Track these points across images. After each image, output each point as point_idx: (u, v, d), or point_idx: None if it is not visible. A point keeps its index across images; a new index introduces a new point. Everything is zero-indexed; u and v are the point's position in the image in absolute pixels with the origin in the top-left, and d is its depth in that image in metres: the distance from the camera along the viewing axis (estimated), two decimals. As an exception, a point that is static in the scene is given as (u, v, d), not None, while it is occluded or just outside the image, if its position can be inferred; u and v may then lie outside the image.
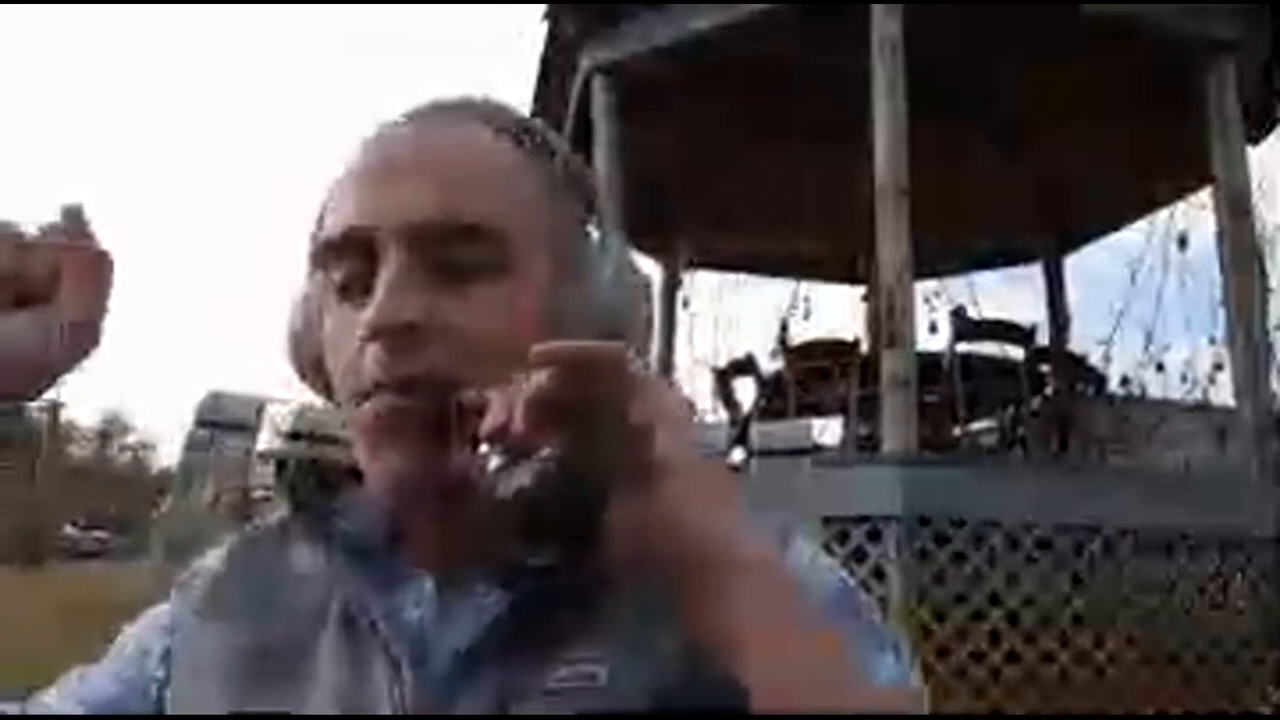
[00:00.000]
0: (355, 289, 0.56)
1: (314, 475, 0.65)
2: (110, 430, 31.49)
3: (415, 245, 0.54)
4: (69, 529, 23.85)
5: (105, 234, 0.49)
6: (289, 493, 0.64)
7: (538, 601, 0.55)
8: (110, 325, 0.49)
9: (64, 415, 25.93)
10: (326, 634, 0.58)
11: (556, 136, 0.64)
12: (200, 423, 1.18)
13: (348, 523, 0.61)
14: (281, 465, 0.65)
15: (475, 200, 0.56)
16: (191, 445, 1.18)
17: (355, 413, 0.55)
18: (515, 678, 0.53)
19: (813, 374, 4.89)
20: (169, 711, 0.59)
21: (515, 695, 0.53)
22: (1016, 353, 5.10)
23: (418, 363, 0.53)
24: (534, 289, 0.56)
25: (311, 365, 0.60)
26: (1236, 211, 4.17)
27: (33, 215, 0.48)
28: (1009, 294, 8.51)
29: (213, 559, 0.65)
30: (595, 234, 0.63)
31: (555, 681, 0.53)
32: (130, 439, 32.10)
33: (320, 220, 0.60)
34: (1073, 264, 6.29)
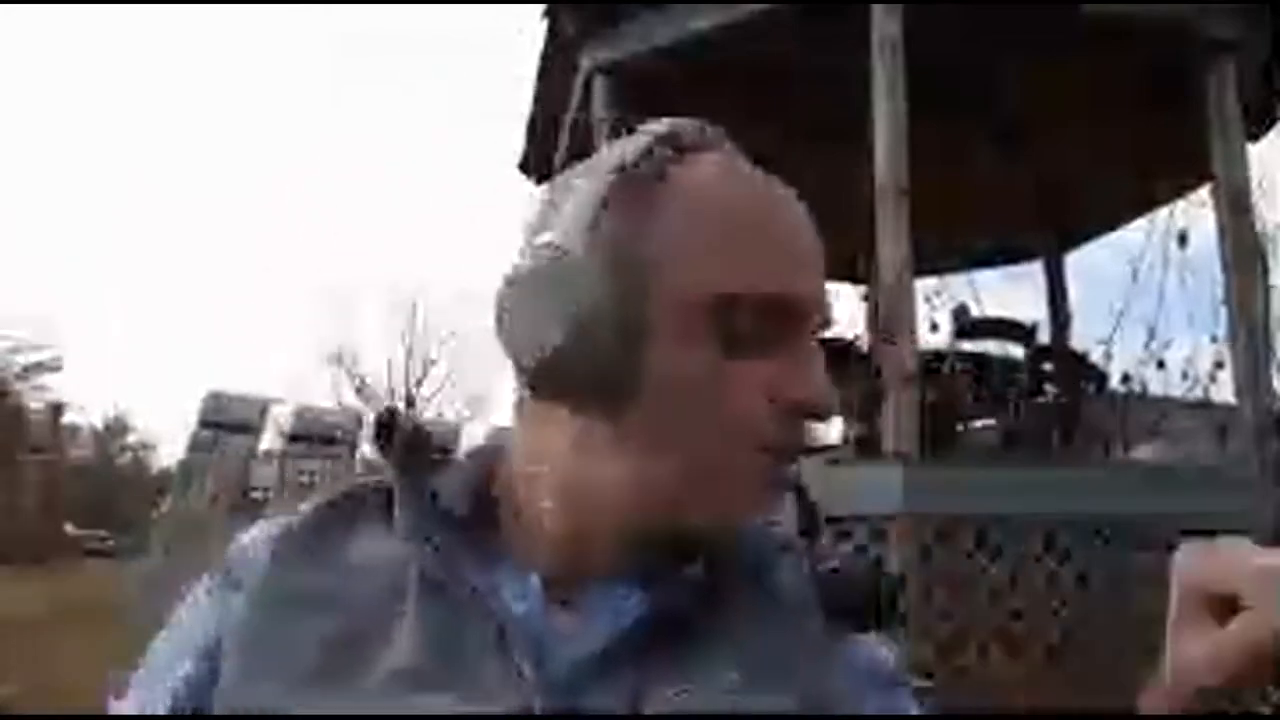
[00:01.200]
0: (747, 345, 0.55)
1: (420, 442, 0.64)
2: (111, 431, 31.49)
3: (817, 327, 0.58)
4: (70, 528, 23.89)
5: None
6: (401, 453, 0.62)
7: (679, 608, 0.56)
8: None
9: (65, 416, 26.01)
10: (408, 603, 0.57)
11: None
12: (204, 423, 1.18)
13: (445, 497, 0.61)
14: (384, 428, 0.64)
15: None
16: (195, 445, 1.18)
17: (737, 458, 0.56)
18: (651, 681, 0.54)
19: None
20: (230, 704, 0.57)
21: (650, 698, 0.53)
22: (1018, 351, 5.10)
23: (814, 431, 0.59)
24: None
25: (604, 382, 0.55)
26: (1237, 209, 4.17)
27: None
28: (1010, 292, 8.50)
29: (258, 549, 0.62)
30: None
31: (690, 688, 0.54)
32: (131, 439, 32.11)
33: (687, 259, 0.55)
34: (1073, 262, 6.30)
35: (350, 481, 0.67)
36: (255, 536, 0.63)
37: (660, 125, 0.60)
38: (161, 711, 0.58)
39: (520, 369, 0.56)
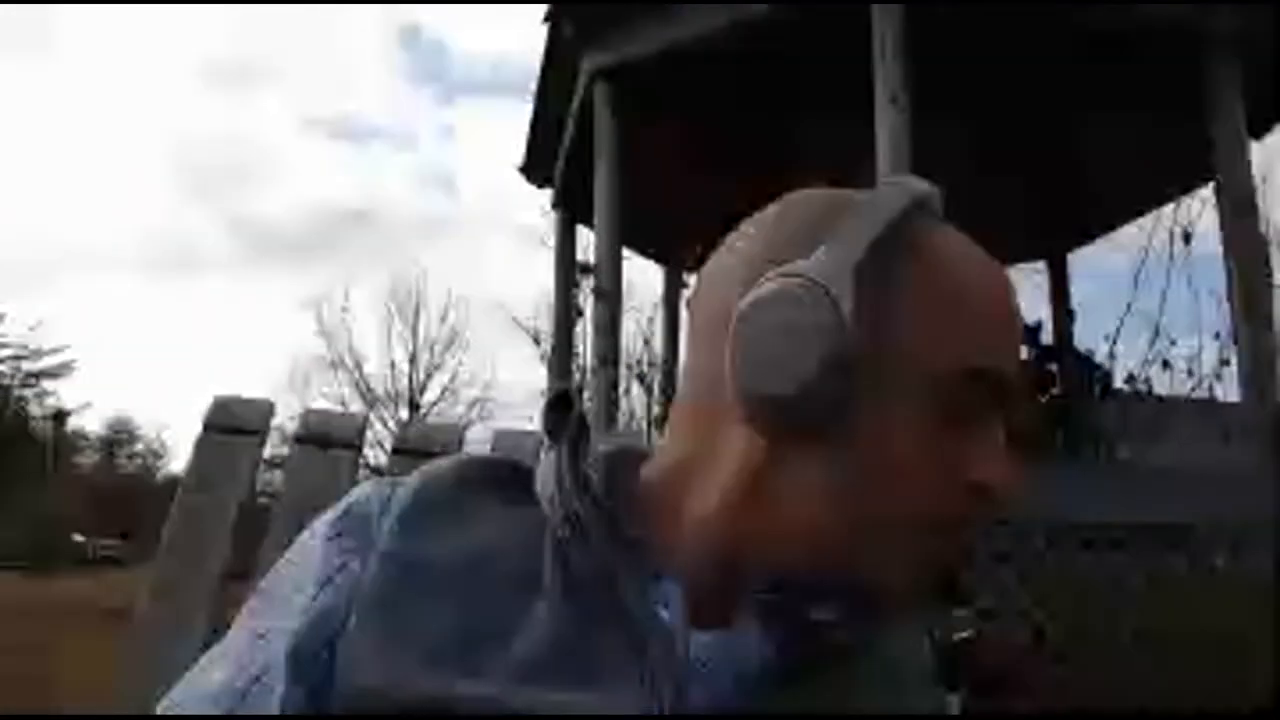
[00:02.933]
0: (960, 418, 0.56)
1: (583, 429, 0.63)
2: (117, 438, 31.57)
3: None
4: (77, 536, 23.93)
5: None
6: (574, 433, 0.62)
7: (806, 650, 0.56)
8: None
9: (70, 424, 26.08)
10: (545, 589, 0.56)
11: None
12: (208, 428, 1.18)
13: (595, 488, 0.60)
14: (561, 401, 0.63)
15: None
16: (200, 451, 1.18)
17: (909, 527, 0.55)
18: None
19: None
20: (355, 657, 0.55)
21: None
22: (1021, 350, 5.08)
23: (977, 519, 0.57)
24: None
25: (815, 414, 0.54)
26: (1240, 208, 4.17)
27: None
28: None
29: (385, 509, 0.60)
30: None
31: None
32: (138, 446, 32.19)
33: (933, 328, 0.56)
34: (1076, 260, 6.29)
35: (463, 455, 0.66)
36: (378, 496, 0.61)
37: (914, 184, 0.60)
38: (284, 647, 0.56)
39: (744, 390, 0.55)
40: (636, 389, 6.09)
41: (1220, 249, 4.28)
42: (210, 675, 0.58)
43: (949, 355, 0.55)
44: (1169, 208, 5.61)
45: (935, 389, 0.55)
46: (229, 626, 0.65)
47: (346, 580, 0.57)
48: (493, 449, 1.17)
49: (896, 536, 0.55)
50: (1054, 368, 5.39)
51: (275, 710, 0.55)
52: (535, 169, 6.04)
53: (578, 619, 0.55)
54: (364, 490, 0.62)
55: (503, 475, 0.63)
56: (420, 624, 0.55)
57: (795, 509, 0.55)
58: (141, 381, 47.46)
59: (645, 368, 6.11)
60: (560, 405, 0.63)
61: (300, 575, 0.59)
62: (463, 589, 0.56)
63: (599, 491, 0.60)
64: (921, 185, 0.60)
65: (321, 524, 0.62)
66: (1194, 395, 5.07)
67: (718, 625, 0.56)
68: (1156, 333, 5.27)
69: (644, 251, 6.38)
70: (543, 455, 0.63)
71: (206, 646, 0.65)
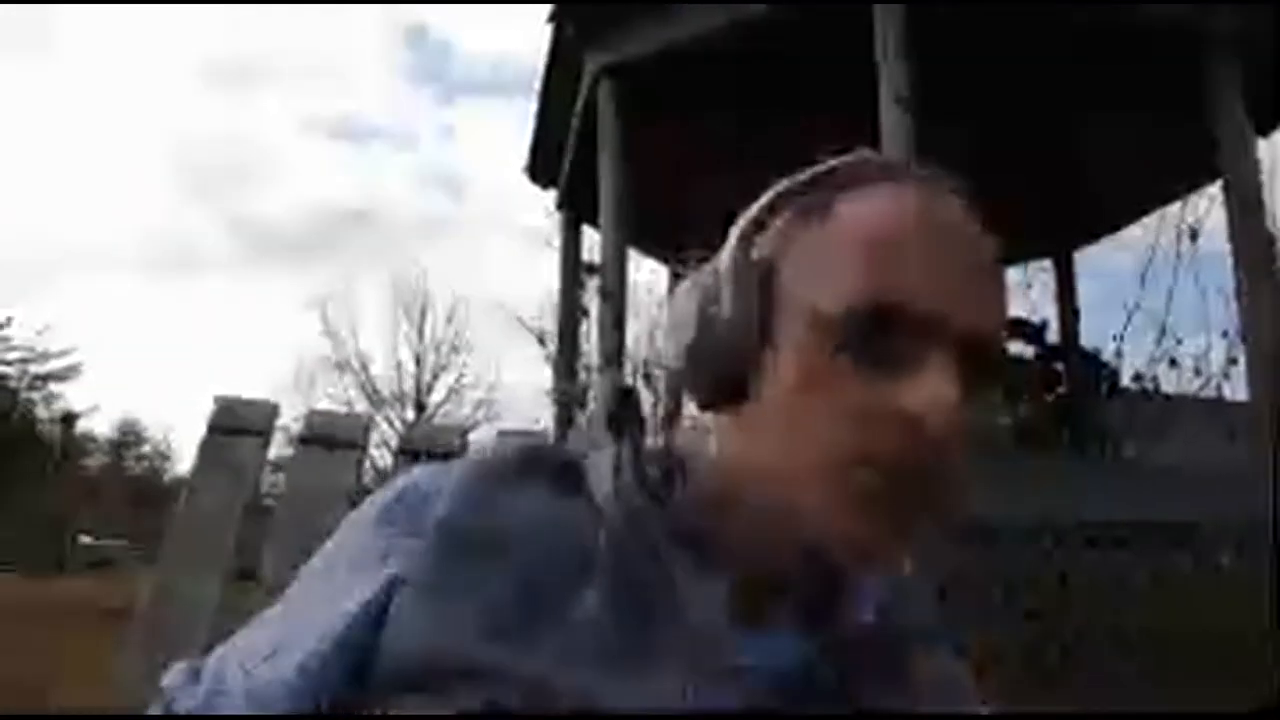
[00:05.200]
0: (878, 360, 0.55)
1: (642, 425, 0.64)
2: (125, 440, 31.65)
3: (968, 351, 0.55)
4: (84, 538, 24.01)
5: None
6: (633, 428, 0.63)
7: (844, 651, 0.58)
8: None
9: (79, 426, 26.15)
10: (595, 577, 0.57)
11: None
12: (212, 430, 1.19)
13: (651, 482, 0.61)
14: (627, 396, 0.65)
15: (1001, 321, 0.59)
16: (204, 453, 1.19)
17: (833, 474, 0.54)
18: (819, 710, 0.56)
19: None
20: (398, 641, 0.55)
21: None
22: (1027, 349, 5.07)
23: (939, 453, 0.53)
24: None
25: (723, 379, 0.58)
26: (1247, 206, 4.16)
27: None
28: (1018, 291, 8.45)
29: (436, 495, 0.60)
30: None
31: None
32: (145, 448, 32.26)
33: (821, 272, 0.57)
34: (1083, 259, 6.27)
35: (511, 444, 0.66)
36: (427, 482, 0.61)
37: (847, 158, 0.63)
38: (337, 635, 0.56)
39: (668, 368, 0.61)
40: (643, 389, 6.09)
41: (1227, 247, 4.27)
42: (257, 659, 0.58)
43: (832, 297, 0.56)
44: (1174, 207, 5.61)
45: (830, 331, 0.55)
46: (232, 629, 0.64)
47: (399, 561, 0.57)
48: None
49: (828, 477, 0.54)
50: (1060, 367, 5.38)
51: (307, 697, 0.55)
52: (540, 171, 6.05)
53: (627, 609, 0.56)
54: (416, 475, 0.63)
55: (556, 465, 0.64)
56: (473, 593, 0.55)
57: (737, 469, 0.58)
58: (145, 383, 47.53)
59: (651, 368, 6.11)
60: (624, 401, 0.65)
61: (353, 557, 0.60)
62: (518, 563, 0.56)
63: (658, 488, 0.61)
64: (863, 156, 0.64)
65: (372, 505, 0.62)
66: (1201, 394, 5.06)
67: (761, 624, 0.57)
68: (1163, 331, 5.26)
69: (649, 251, 6.38)
70: (596, 450, 0.64)
71: (209, 648, 0.65)
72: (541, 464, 0.63)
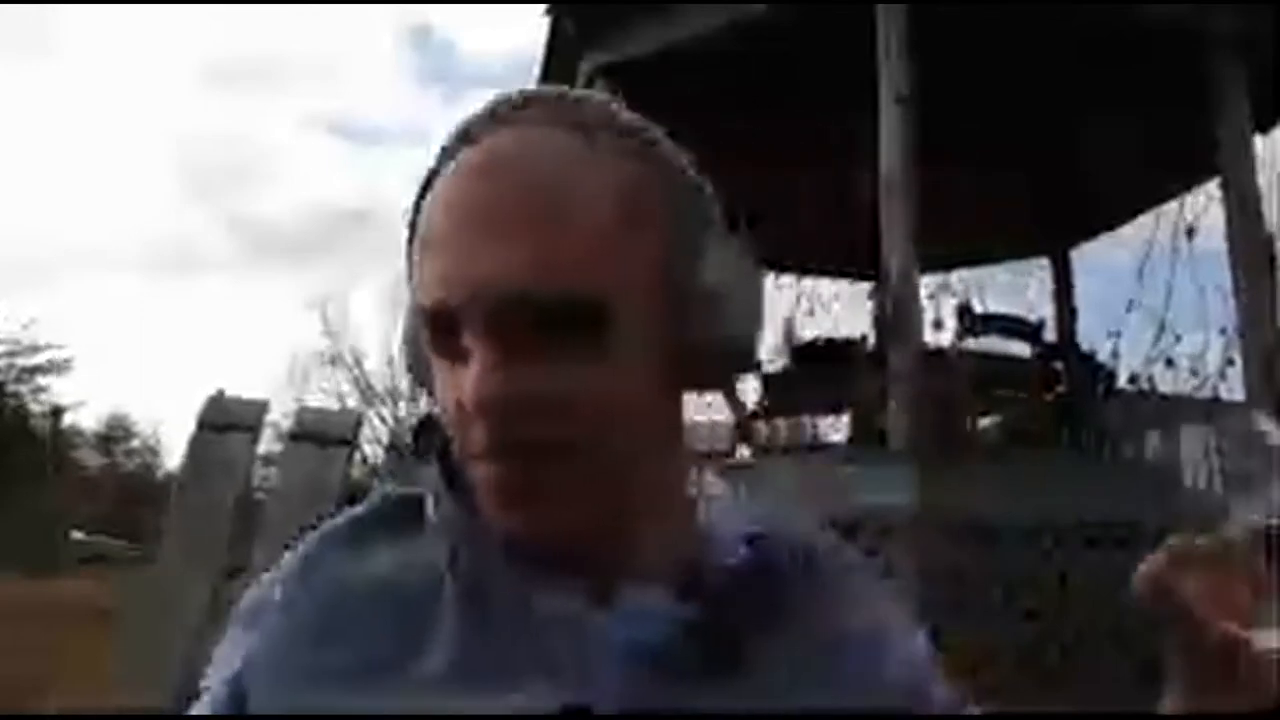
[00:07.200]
0: (453, 350, 0.54)
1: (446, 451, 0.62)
2: (113, 435, 31.54)
3: (507, 317, 0.52)
4: (77, 534, 23.94)
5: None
6: (441, 454, 0.60)
7: (728, 614, 0.56)
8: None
9: (66, 420, 26.06)
10: (443, 606, 0.56)
11: (668, 141, 0.59)
12: (203, 426, 1.17)
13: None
14: (425, 428, 0.64)
15: (572, 260, 0.52)
16: (194, 448, 1.17)
17: (474, 470, 0.55)
18: (702, 683, 0.54)
19: (819, 371, 4.88)
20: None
21: (701, 699, 0.54)
22: (1024, 348, 5.07)
23: (525, 431, 0.52)
24: (644, 342, 0.54)
25: (424, 378, 0.60)
26: (1245, 205, 4.16)
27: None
28: (1016, 289, 8.45)
29: (273, 586, 0.60)
30: (716, 249, 0.59)
31: (741, 690, 0.55)
32: (135, 443, 32.17)
33: (416, 249, 0.56)
34: (1080, 258, 6.27)
35: (372, 497, 0.65)
36: (275, 570, 0.61)
37: (479, 110, 0.57)
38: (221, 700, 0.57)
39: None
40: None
41: (1224, 245, 4.26)
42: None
43: (420, 296, 0.55)
44: (1171, 204, 5.61)
45: (428, 326, 0.55)
46: (222, 627, 0.64)
47: (242, 656, 0.58)
48: None
49: (474, 472, 0.55)
50: (1058, 366, 5.37)
51: None
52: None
53: (480, 625, 0.55)
54: (265, 574, 0.63)
55: (394, 506, 0.62)
56: (315, 667, 0.55)
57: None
58: (142, 381, 47.41)
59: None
60: (424, 426, 0.64)
61: (216, 655, 0.61)
62: (358, 624, 0.56)
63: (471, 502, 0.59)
64: (504, 96, 0.57)
65: (237, 609, 0.62)
66: (1197, 394, 5.06)
67: (617, 600, 0.55)
68: (1161, 328, 5.26)
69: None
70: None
71: (198, 645, 0.64)
72: (381, 510, 0.62)
